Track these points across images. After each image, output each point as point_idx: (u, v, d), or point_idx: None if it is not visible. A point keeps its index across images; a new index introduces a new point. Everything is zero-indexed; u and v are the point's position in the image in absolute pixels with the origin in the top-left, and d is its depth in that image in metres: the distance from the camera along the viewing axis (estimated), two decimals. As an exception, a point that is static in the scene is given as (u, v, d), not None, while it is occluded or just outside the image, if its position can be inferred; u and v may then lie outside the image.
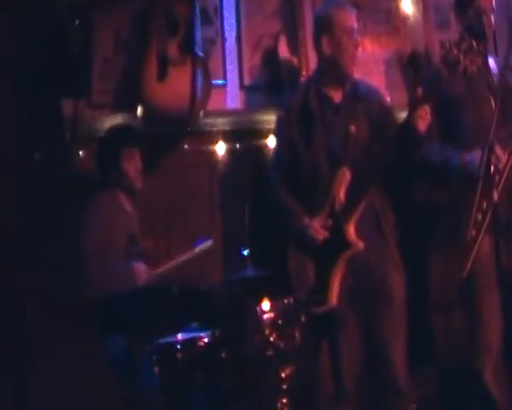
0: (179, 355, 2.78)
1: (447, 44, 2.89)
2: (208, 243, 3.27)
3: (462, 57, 2.76)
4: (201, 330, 2.89)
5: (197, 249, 3.25)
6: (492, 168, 2.93)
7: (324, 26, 3.10)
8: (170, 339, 2.84)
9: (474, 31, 3.05)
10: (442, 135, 3.12)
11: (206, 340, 2.85)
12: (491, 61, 3.17)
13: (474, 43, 2.81)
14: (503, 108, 3.01)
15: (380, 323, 3.03)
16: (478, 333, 3.05)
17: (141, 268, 3.12)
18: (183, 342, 2.82)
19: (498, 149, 2.95)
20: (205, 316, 2.98)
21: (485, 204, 2.95)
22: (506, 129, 3.00)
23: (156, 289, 3.02)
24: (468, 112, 3.06)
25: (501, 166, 2.96)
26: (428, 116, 2.87)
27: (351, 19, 3.10)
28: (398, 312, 3.03)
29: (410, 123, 2.87)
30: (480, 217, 2.95)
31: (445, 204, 3.16)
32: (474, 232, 2.95)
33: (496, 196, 2.94)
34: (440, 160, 3.09)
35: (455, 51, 2.77)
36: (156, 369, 2.73)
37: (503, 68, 3.04)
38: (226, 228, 3.47)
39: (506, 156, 2.97)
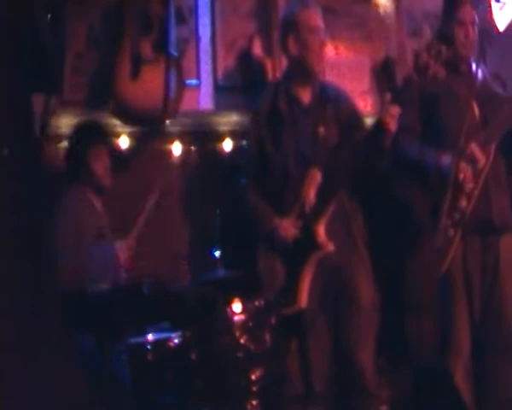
0: (149, 356, 2.77)
1: (418, 50, 2.94)
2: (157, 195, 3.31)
3: (431, 62, 2.81)
4: (172, 330, 2.88)
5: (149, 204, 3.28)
6: (468, 172, 2.99)
7: (290, 26, 3.13)
8: (140, 339, 2.83)
9: (444, 37, 3.11)
10: (424, 134, 3.16)
11: (176, 341, 2.84)
12: (481, 70, 3.21)
13: (444, 49, 2.86)
14: (485, 113, 3.07)
15: (348, 324, 3.06)
16: (448, 334, 3.09)
17: (122, 246, 3.12)
18: (154, 343, 2.82)
19: (477, 152, 3.00)
20: (175, 316, 2.97)
21: (461, 205, 3.00)
22: (486, 132, 3.05)
23: (126, 288, 3.00)
24: (451, 115, 3.10)
25: (479, 167, 3.00)
26: (397, 117, 2.88)
27: (316, 18, 3.13)
28: (366, 313, 3.06)
29: (379, 124, 2.90)
30: (457, 217, 3.00)
31: (421, 204, 3.20)
32: (452, 232, 3.00)
33: (465, 201, 3.00)
34: (419, 158, 3.12)
35: (424, 56, 2.81)
36: (126, 369, 2.72)
37: (477, 75, 3.10)
38: (196, 229, 3.46)
39: (485, 158, 3.01)
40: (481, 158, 3.00)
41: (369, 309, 3.06)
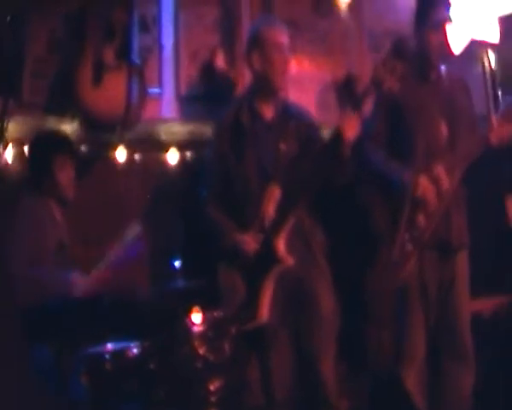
0: (108, 366, 2.74)
1: (375, 64, 3.01)
2: (137, 230, 3.22)
3: (387, 77, 2.86)
4: (131, 340, 2.85)
5: (126, 237, 3.20)
6: (431, 191, 3.05)
7: (255, 42, 3.15)
8: (99, 349, 2.79)
9: (399, 53, 3.18)
10: (390, 145, 3.21)
11: (135, 351, 2.81)
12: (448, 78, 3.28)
13: (399, 65, 2.93)
14: (452, 131, 3.14)
15: (310, 335, 3.09)
16: (403, 342, 3.16)
17: (78, 278, 3.04)
18: (112, 353, 2.78)
19: (444, 175, 3.07)
20: (134, 327, 2.94)
21: (420, 222, 3.07)
22: (454, 157, 3.11)
23: (85, 299, 2.95)
24: (417, 129, 3.15)
25: (443, 189, 3.07)
26: (354, 125, 2.93)
27: (280, 35, 3.16)
28: (327, 324, 3.10)
29: (337, 133, 2.92)
30: (415, 233, 3.06)
31: (380, 216, 3.26)
32: (409, 247, 3.06)
33: (423, 218, 3.07)
34: (383, 169, 3.17)
35: (380, 70, 2.87)
36: (84, 379, 2.67)
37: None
38: (157, 238, 3.44)
39: (450, 182, 3.08)
40: (447, 183, 3.07)
41: (329, 320, 3.10)
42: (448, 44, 3.23)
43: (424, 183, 3.06)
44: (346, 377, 3.20)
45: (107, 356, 2.76)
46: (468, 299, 3.21)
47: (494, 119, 3.10)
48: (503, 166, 3.38)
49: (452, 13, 3.23)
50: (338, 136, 2.92)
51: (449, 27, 3.20)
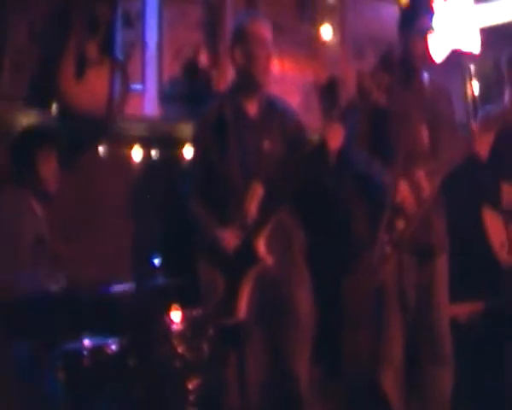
0: (86, 362, 2.71)
1: (361, 75, 3.02)
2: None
3: (374, 89, 2.88)
4: (109, 337, 2.83)
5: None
6: (411, 196, 3.08)
7: (238, 36, 3.13)
8: (76, 345, 2.76)
9: (387, 65, 3.21)
10: (373, 147, 3.23)
11: (113, 347, 2.79)
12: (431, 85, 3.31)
13: (387, 78, 2.96)
14: (434, 138, 3.18)
15: (286, 337, 3.09)
16: (380, 345, 3.19)
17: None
18: (90, 349, 2.75)
19: (424, 181, 3.10)
20: (113, 323, 2.92)
21: (399, 226, 3.10)
22: (435, 164, 3.15)
23: (64, 295, 2.92)
24: (400, 134, 3.17)
25: (424, 195, 3.11)
26: (339, 135, 2.94)
27: (264, 30, 3.14)
28: (303, 327, 3.10)
29: (322, 144, 2.93)
30: (394, 237, 3.10)
31: (360, 218, 3.28)
32: (388, 250, 3.09)
33: (402, 222, 3.10)
34: (366, 170, 3.20)
35: (368, 82, 2.89)
36: (61, 376, 2.65)
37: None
38: (138, 235, 3.42)
39: (430, 189, 3.12)
40: (427, 188, 3.10)
41: (306, 322, 3.11)
42: (430, 52, 3.28)
43: (404, 188, 3.09)
44: (322, 381, 3.21)
45: (84, 352, 2.74)
46: (447, 303, 3.26)
47: (475, 127, 3.14)
48: (483, 176, 3.43)
49: (435, 22, 3.28)
50: (322, 146, 2.92)
51: (432, 36, 3.25)
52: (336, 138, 2.92)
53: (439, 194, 3.19)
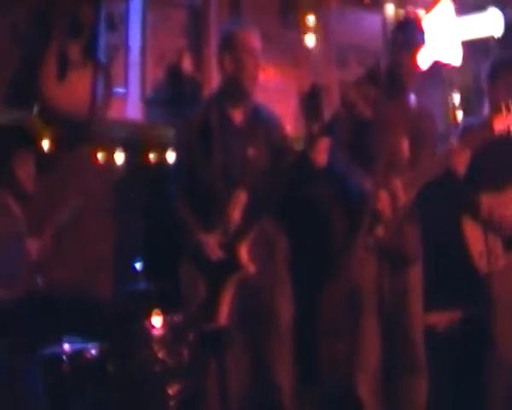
0: (65, 367, 2.69)
1: (347, 87, 3.03)
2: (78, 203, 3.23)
3: (359, 102, 2.88)
4: (89, 341, 2.81)
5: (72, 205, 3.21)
6: (387, 204, 3.11)
7: (227, 44, 3.13)
8: (56, 350, 2.74)
9: (373, 79, 3.23)
10: (354, 154, 3.21)
11: (93, 352, 2.78)
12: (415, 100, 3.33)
13: (372, 91, 2.97)
14: (414, 149, 3.21)
15: (266, 345, 3.08)
16: (356, 351, 3.20)
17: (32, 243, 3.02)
18: (70, 354, 2.73)
19: (400, 190, 3.13)
20: (94, 328, 2.90)
21: (377, 233, 3.12)
22: (412, 175, 3.17)
23: (45, 299, 2.89)
24: (381, 143, 3.18)
25: (399, 204, 3.13)
26: (325, 151, 2.92)
27: (253, 39, 3.14)
28: (283, 335, 3.10)
29: (306, 156, 2.92)
30: (372, 243, 3.12)
31: (339, 225, 3.29)
32: (365, 256, 3.12)
33: (381, 229, 3.13)
34: (346, 176, 3.19)
35: (353, 95, 2.89)
36: (40, 380, 2.62)
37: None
38: (119, 239, 3.39)
39: (405, 198, 3.13)
40: (403, 197, 3.13)
41: (287, 330, 3.10)
42: (419, 67, 3.30)
43: (383, 196, 3.12)
44: (299, 388, 3.21)
45: (64, 357, 2.72)
46: (420, 311, 3.28)
47: (454, 142, 3.17)
48: (462, 187, 3.48)
49: (426, 40, 3.30)
50: (306, 160, 2.91)
51: (421, 53, 3.28)
52: (322, 153, 2.90)
53: (413, 204, 3.22)
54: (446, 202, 3.57)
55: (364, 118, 2.94)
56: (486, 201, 3.54)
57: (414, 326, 3.22)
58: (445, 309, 3.74)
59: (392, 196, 3.10)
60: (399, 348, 3.20)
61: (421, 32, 3.29)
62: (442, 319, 3.72)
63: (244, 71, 3.09)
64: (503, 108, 3.15)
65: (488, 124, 3.16)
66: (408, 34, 3.23)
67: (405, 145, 3.20)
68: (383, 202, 3.11)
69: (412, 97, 3.30)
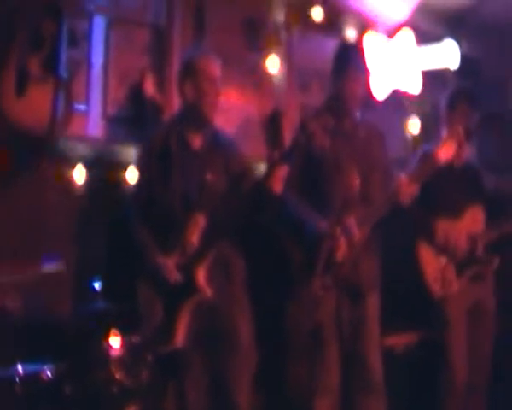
0: (18, 390, 2.61)
1: (307, 116, 3.07)
2: (58, 268, 3.12)
3: (319, 132, 2.92)
4: (45, 362, 2.74)
5: (45, 270, 3.09)
6: (342, 241, 3.16)
7: (188, 71, 3.16)
8: (8, 372, 2.66)
9: (333, 109, 3.28)
10: (307, 193, 3.29)
11: (48, 373, 2.71)
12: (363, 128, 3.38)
13: (330, 121, 3.01)
14: (366, 186, 3.26)
15: (225, 367, 3.10)
16: (317, 377, 3.25)
17: None
18: (24, 376, 2.66)
19: (354, 228, 3.17)
20: (50, 349, 2.84)
21: (334, 268, 3.17)
22: (366, 212, 3.24)
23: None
24: (332, 180, 3.26)
25: (354, 240, 3.19)
26: (283, 178, 2.93)
27: (214, 67, 3.18)
28: (243, 357, 3.12)
29: (265, 183, 2.94)
30: (329, 277, 3.17)
31: (297, 259, 3.33)
32: (323, 289, 3.16)
33: (337, 264, 3.19)
34: (299, 217, 3.25)
35: (313, 125, 2.92)
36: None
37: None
38: (79, 258, 3.34)
39: (360, 235, 3.19)
40: (357, 234, 3.19)
41: (246, 353, 3.12)
42: (364, 94, 3.35)
43: (338, 234, 3.16)
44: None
45: (17, 379, 2.64)
46: (377, 337, 3.35)
47: (403, 179, 3.23)
48: (416, 213, 3.55)
49: (370, 64, 3.36)
50: (264, 188, 2.92)
51: (366, 78, 3.34)
52: (280, 181, 2.93)
53: (369, 238, 3.27)
54: (404, 227, 3.64)
55: (321, 150, 3.00)
56: (442, 226, 3.62)
57: (371, 350, 3.32)
58: (403, 332, 3.81)
59: (347, 234, 3.16)
60: (357, 371, 3.30)
61: (361, 56, 3.37)
62: (399, 341, 3.79)
63: (204, 98, 3.13)
64: (460, 134, 3.26)
65: (431, 156, 3.25)
66: (347, 59, 3.31)
67: (356, 179, 3.26)
68: (338, 239, 3.16)
69: (358, 121, 3.36)
